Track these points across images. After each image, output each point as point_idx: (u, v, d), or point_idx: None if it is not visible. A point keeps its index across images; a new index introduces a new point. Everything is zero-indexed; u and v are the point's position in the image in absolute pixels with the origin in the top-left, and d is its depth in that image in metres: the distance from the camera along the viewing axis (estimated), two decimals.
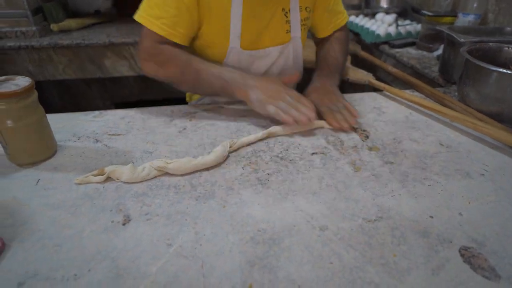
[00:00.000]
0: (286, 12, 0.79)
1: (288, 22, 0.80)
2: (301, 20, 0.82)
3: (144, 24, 0.69)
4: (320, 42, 0.94)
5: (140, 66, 0.74)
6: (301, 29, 0.83)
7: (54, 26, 1.56)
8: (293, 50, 0.86)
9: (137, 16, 0.70)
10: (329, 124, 0.70)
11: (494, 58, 0.82)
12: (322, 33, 0.91)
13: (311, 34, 0.96)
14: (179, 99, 1.05)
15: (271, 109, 0.65)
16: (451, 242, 0.44)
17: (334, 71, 0.83)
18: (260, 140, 0.66)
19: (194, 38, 0.80)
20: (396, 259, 0.41)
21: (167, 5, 0.68)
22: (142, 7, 0.70)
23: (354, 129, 0.70)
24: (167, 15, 0.68)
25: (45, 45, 1.44)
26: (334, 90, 0.77)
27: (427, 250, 0.43)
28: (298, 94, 0.69)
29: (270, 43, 0.82)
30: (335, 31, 0.90)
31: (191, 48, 0.86)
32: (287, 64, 0.88)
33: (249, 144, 0.65)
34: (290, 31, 0.82)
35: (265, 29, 0.79)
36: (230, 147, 0.62)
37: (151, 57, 0.72)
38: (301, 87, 1.05)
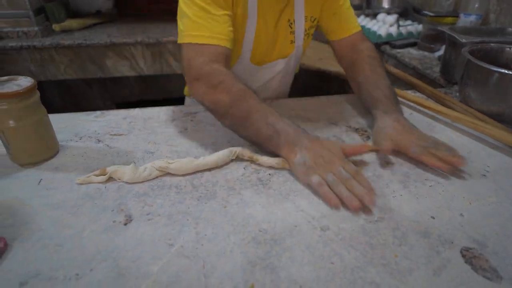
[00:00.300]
0: (291, 23, 0.78)
1: (292, 32, 0.80)
2: (305, 29, 0.81)
3: (196, 41, 0.63)
4: (349, 63, 0.81)
5: (189, 88, 0.65)
6: (304, 38, 0.83)
7: (55, 26, 1.56)
8: (294, 58, 0.86)
9: (183, 38, 0.65)
10: (435, 166, 0.56)
11: (496, 58, 0.82)
12: (333, 36, 0.84)
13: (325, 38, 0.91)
14: (179, 99, 1.05)
15: (315, 180, 0.52)
16: (452, 242, 0.44)
17: (396, 103, 0.70)
18: (270, 167, 0.59)
19: None
20: (397, 260, 0.41)
21: (211, 17, 0.64)
22: (186, 28, 0.65)
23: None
24: (216, 24, 0.64)
25: (47, 45, 1.44)
26: (412, 126, 0.64)
27: (428, 250, 0.43)
28: (356, 171, 0.53)
29: (277, 56, 0.82)
30: (359, 45, 0.81)
31: None
32: (288, 71, 0.89)
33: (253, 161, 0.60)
34: (294, 41, 0.82)
35: (274, 43, 0.79)
36: (236, 156, 0.60)
37: (203, 76, 0.62)
38: (296, 87, 1.06)
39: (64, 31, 1.60)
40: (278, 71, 0.85)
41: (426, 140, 0.60)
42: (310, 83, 2.01)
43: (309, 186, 0.53)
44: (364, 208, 0.49)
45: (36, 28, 1.47)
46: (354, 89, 0.81)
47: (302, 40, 0.82)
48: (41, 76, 1.53)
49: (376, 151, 0.63)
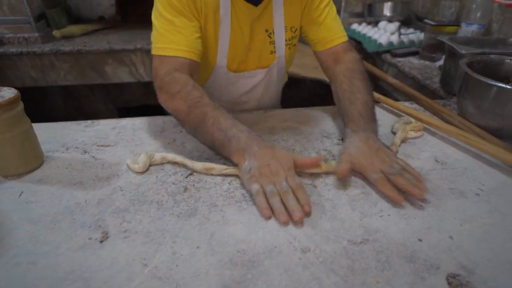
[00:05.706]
0: (270, 33, 0.77)
1: (272, 43, 0.78)
2: (286, 40, 0.79)
3: (161, 53, 0.65)
4: (331, 75, 0.78)
5: (157, 96, 0.67)
6: (285, 49, 0.80)
7: (56, 32, 1.57)
8: (277, 69, 0.84)
9: (153, 50, 0.67)
10: (388, 195, 0.53)
11: (495, 71, 0.79)
12: (317, 47, 0.80)
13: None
14: None
15: (254, 188, 0.53)
16: (438, 268, 0.42)
17: (370, 120, 0.66)
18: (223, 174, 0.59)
19: None
20: (379, 286, 0.40)
21: (176, 29, 0.65)
22: (154, 40, 0.67)
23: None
24: (181, 37, 0.66)
25: (47, 51, 1.45)
26: (382, 147, 0.61)
27: (412, 276, 0.41)
28: (298, 184, 0.53)
29: (256, 65, 0.80)
30: (341, 56, 0.77)
31: None
32: (271, 81, 0.87)
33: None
34: (274, 52, 0.80)
35: (250, 51, 0.77)
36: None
37: (165, 85, 0.64)
38: (300, 95, 1.04)
39: (65, 37, 1.61)
40: (258, 81, 0.83)
41: (390, 164, 0.57)
42: (314, 92, 1.99)
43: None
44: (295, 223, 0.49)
45: (36, 34, 1.48)
46: (336, 103, 0.78)
47: (283, 50, 0.80)
48: (42, 81, 1.53)
49: (334, 173, 0.59)
